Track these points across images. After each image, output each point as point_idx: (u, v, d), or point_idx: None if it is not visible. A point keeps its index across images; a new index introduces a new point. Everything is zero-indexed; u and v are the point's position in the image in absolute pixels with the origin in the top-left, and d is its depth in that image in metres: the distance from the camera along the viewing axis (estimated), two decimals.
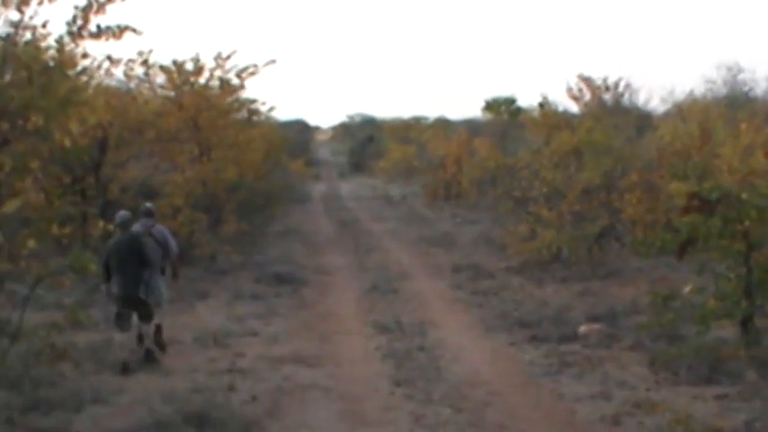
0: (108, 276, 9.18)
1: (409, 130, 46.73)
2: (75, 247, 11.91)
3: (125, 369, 8.85)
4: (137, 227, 9.81)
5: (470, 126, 38.86)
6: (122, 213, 9.48)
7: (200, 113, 16.64)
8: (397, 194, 34.56)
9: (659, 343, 9.45)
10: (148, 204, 10.50)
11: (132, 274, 9.13)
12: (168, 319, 10.33)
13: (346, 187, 41.14)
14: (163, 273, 9.86)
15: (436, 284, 14.83)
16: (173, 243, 10.11)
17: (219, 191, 16.88)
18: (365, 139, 55.70)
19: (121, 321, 9.17)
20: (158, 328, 9.73)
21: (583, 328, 10.44)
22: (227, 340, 10.32)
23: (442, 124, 45.41)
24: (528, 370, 9.00)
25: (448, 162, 30.46)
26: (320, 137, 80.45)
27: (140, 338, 9.50)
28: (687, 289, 7.65)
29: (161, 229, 10.22)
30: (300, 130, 58.52)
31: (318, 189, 39.86)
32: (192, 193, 15.86)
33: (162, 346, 9.68)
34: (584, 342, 10.01)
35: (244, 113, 18.66)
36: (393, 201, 32.92)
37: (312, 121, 77.10)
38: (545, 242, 15.42)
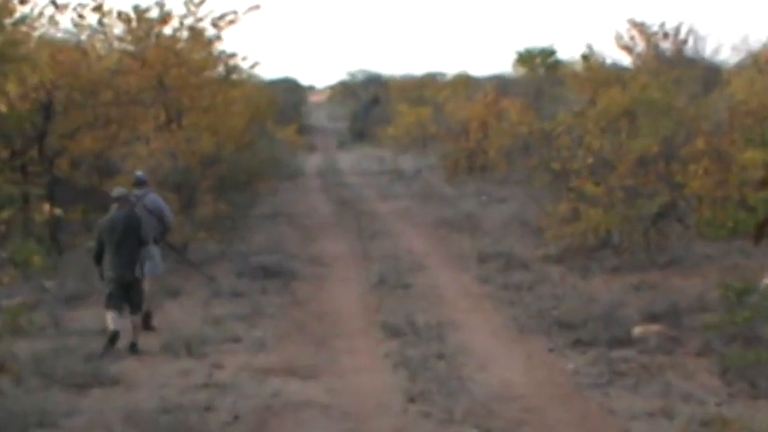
0: (101, 257, 10.15)
1: (423, 90, 46.63)
2: (15, 236, 11.94)
3: (113, 340, 9.92)
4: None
5: (499, 83, 38.67)
6: (118, 189, 10.63)
7: (168, 71, 16.59)
8: (409, 168, 34.48)
9: (733, 347, 9.39)
10: (139, 173, 11.81)
11: (128, 256, 10.12)
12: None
13: (347, 159, 41.10)
14: (156, 242, 11.20)
15: (458, 277, 14.78)
16: (168, 212, 11.49)
17: (192, 165, 16.83)
18: (369, 101, 55.61)
19: (113, 302, 10.12)
20: (147, 315, 11.04)
21: (638, 330, 10.39)
22: (203, 348, 10.30)
23: (464, 82, 45.25)
24: (571, 381, 8.95)
25: (471, 127, 30.36)
26: (315, 99, 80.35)
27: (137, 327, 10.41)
28: (766, 280, 7.57)
29: (154, 197, 11.50)
30: (291, 90, 58.43)
31: (313, 162, 39.81)
32: (158, 167, 15.81)
33: (152, 329, 11.05)
34: (640, 346, 9.96)
35: (221, 71, 18.59)
36: (404, 175, 32.83)
37: (305, 80, 77.12)
38: (591, 224, 15.33)
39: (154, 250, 11.12)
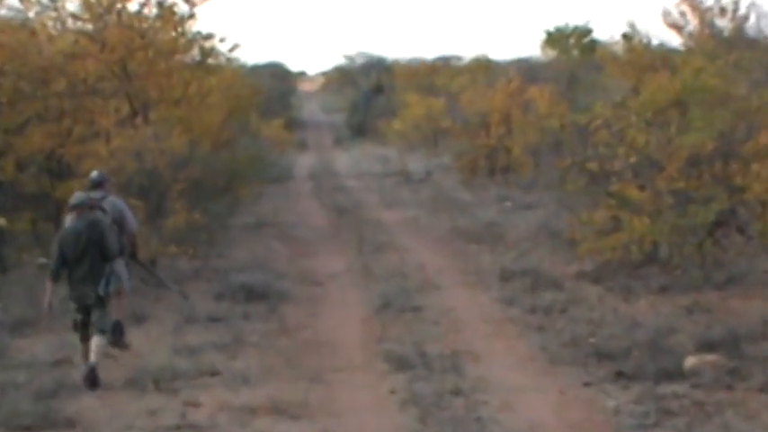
0: (59, 273, 10.31)
1: (435, 76, 46.71)
2: None
3: (91, 373, 10.10)
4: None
5: (524, 68, 38.82)
6: (78, 195, 10.77)
7: (132, 55, 16.64)
8: (418, 169, 34.51)
9: None
10: (96, 172, 11.89)
11: (91, 271, 10.30)
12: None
13: (345, 159, 41.16)
14: (120, 254, 11.22)
15: (477, 298, 14.82)
16: (131, 218, 11.68)
17: (161, 167, 16.85)
18: (371, 90, 55.73)
19: (79, 327, 10.43)
20: (119, 325, 11.36)
21: (692, 361, 10.36)
22: (175, 383, 10.29)
23: (483, 67, 45.32)
24: (612, 421, 8.93)
25: (492, 121, 30.40)
26: (306, 87, 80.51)
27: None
28: None
29: (114, 201, 11.59)
30: (278, 77, 58.65)
31: (305, 162, 39.86)
32: (121, 170, 15.83)
33: (125, 346, 11.43)
34: (693, 380, 9.93)
35: (195, 55, 18.62)
36: (413, 178, 32.87)
37: (294, 66, 77.21)
38: (635, 235, 15.32)
39: (119, 263, 11.27)
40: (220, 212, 20.25)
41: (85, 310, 10.35)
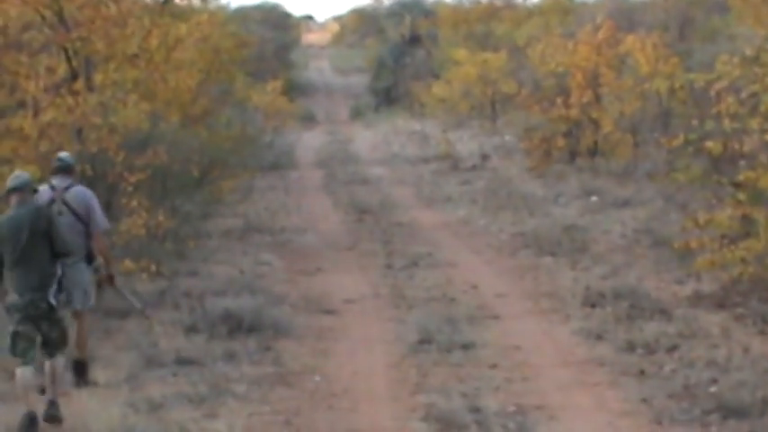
0: None
1: (493, 22, 46.64)
2: None
3: (31, 425, 10.28)
4: (44, 191, 11.84)
5: (618, 10, 38.62)
6: (18, 174, 11.09)
7: None
8: (469, 151, 34.48)
9: None
10: (63, 154, 12.62)
11: (37, 270, 10.66)
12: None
13: (367, 139, 41.21)
14: (88, 261, 12.07)
15: (551, 332, 14.83)
16: (98, 214, 12.21)
17: (111, 149, 16.89)
18: (404, 42, 55.65)
19: (23, 346, 10.64)
20: (81, 364, 12.08)
21: None
22: None
23: (561, 8, 45.29)
24: None
25: (574, 84, 30.30)
26: (313, 38, 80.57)
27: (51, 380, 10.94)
28: None
29: (81, 191, 12.26)
30: (274, 24, 58.68)
31: (312, 143, 39.95)
32: (55, 154, 15.83)
33: (86, 382, 12.02)
34: None
35: None
36: (463, 165, 32.84)
37: (297, 8, 77.23)
38: None
39: (86, 273, 12.04)
40: (194, 213, 20.28)
41: (31, 323, 10.62)
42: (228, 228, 22.76)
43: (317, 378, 12.90)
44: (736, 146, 16.36)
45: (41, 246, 10.61)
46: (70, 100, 16.55)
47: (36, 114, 16.40)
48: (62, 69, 17.10)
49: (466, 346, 13.91)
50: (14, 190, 10.73)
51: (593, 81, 29.93)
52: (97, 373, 13.00)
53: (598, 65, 29.92)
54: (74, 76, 17.08)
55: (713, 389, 11.60)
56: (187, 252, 19.00)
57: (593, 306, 15.72)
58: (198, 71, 22.50)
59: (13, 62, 16.36)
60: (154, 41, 17.73)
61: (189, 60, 20.98)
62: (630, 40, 29.90)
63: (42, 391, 10.81)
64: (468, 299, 16.67)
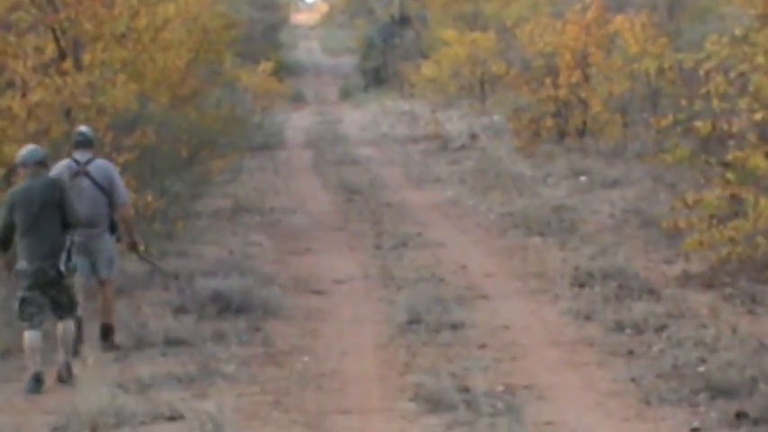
0: (7, 242, 11.33)
1: (482, 2, 46.52)
2: None
3: (37, 383, 11.12)
4: (61, 166, 12.55)
5: None
6: (31, 147, 11.71)
7: None
8: (458, 131, 34.45)
9: None
10: (84, 128, 13.13)
11: (48, 240, 11.22)
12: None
13: (356, 119, 41.14)
14: (111, 231, 12.85)
15: (540, 312, 14.86)
16: (121, 186, 12.90)
17: (99, 129, 16.84)
18: (393, 22, 55.56)
19: (30, 311, 11.27)
20: (107, 327, 12.88)
21: None
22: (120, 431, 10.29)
23: None
24: None
25: (562, 64, 30.27)
26: (302, 18, 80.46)
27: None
28: None
29: (103, 164, 12.89)
30: (263, 5, 58.50)
31: (301, 124, 39.90)
32: (43, 134, 15.85)
33: (115, 347, 12.78)
34: None
35: None
36: (452, 145, 32.81)
37: None
38: (762, 223, 15.29)
39: (111, 243, 12.95)
40: (182, 194, 20.26)
41: (39, 290, 11.12)
42: (218, 208, 22.78)
43: (306, 358, 12.95)
44: (725, 126, 16.37)
45: (53, 216, 11.13)
46: (58, 80, 16.53)
47: (24, 94, 16.35)
48: (50, 49, 17.06)
49: (455, 327, 13.95)
50: (25, 164, 11.26)
51: (582, 61, 29.87)
52: (86, 352, 13.04)
53: (587, 45, 29.84)
54: (62, 56, 17.05)
55: (702, 369, 11.60)
56: (176, 233, 19.02)
57: (581, 286, 15.77)
58: (186, 51, 22.50)
59: (1, 42, 16.31)
60: (142, 21, 17.69)
61: (177, 40, 20.95)
62: (619, 20, 29.81)
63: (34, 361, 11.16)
64: (457, 279, 16.72)
